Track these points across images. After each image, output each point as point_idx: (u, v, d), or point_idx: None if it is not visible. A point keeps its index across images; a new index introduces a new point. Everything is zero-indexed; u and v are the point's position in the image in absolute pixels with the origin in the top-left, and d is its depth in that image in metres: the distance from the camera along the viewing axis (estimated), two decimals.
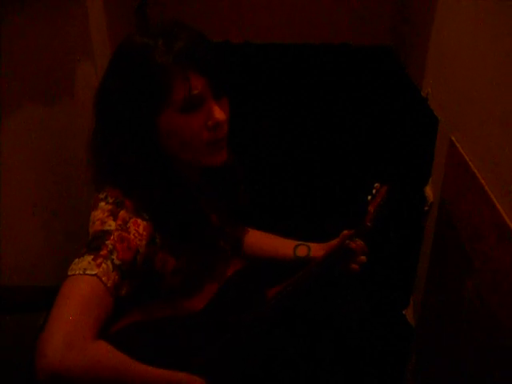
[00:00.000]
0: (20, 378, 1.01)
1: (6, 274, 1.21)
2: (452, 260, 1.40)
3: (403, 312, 1.89)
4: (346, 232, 1.28)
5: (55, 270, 1.38)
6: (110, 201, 0.95)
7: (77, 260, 0.86)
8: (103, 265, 0.85)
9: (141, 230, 0.93)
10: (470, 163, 1.25)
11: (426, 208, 1.65)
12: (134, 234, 0.91)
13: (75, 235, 1.48)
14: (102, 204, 0.94)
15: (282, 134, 2.51)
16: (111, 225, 0.90)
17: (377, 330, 1.98)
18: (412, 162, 1.82)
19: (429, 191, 1.65)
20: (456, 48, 1.45)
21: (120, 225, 0.91)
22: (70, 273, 0.84)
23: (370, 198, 1.32)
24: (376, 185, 1.34)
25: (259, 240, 1.36)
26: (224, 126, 1.00)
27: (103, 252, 0.86)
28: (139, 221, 0.94)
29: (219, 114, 0.98)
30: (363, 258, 1.24)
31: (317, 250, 1.31)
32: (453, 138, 1.39)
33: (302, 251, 1.32)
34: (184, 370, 0.92)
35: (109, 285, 0.84)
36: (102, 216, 0.92)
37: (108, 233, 0.89)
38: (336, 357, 1.93)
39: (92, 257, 0.85)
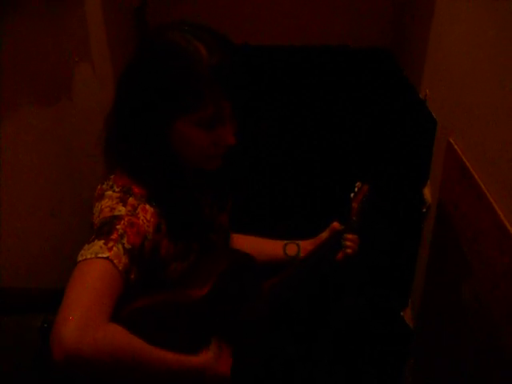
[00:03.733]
0: (20, 378, 1.01)
1: (4, 276, 1.21)
2: (450, 261, 1.40)
3: (401, 313, 1.89)
4: (336, 224, 1.34)
5: (54, 271, 1.37)
6: (117, 189, 0.96)
7: (87, 246, 0.86)
8: (114, 248, 0.85)
9: (148, 216, 0.94)
10: (467, 165, 1.26)
11: (424, 209, 1.66)
12: (142, 220, 0.92)
13: (74, 236, 1.48)
14: (109, 193, 0.95)
15: (282, 135, 2.51)
16: (121, 210, 0.91)
17: (375, 331, 1.98)
18: (410, 163, 1.83)
19: (427, 193, 1.65)
20: (454, 50, 1.45)
21: (130, 210, 0.92)
22: (80, 258, 0.84)
23: (352, 195, 1.42)
24: (357, 183, 1.44)
25: (247, 244, 1.36)
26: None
27: (114, 236, 0.87)
28: (147, 207, 0.95)
29: (232, 138, 1.01)
30: (352, 248, 1.31)
31: (306, 245, 1.35)
32: (451, 140, 1.39)
33: (291, 250, 1.35)
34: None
35: (120, 268, 0.85)
36: (110, 203, 0.93)
37: (118, 218, 0.90)
38: (335, 357, 1.93)
39: (103, 241, 0.86)
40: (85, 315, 0.77)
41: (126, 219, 0.90)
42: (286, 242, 1.36)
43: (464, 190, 1.28)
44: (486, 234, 1.13)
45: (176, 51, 0.94)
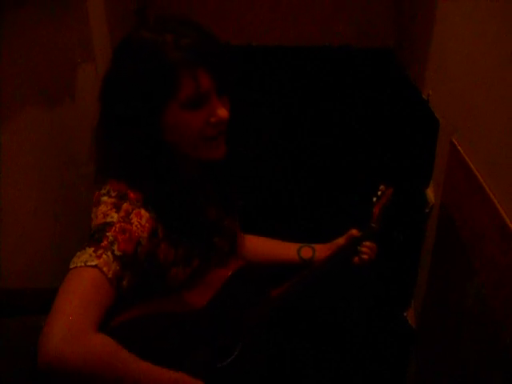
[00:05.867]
0: (21, 381, 1.01)
1: (6, 277, 1.21)
2: (453, 262, 1.40)
3: (404, 314, 1.89)
4: (354, 231, 1.31)
5: (56, 272, 1.38)
6: (113, 194, 0.95)
7: (78, 253, 0.86)
8: (104, 256, 0.85)
9: (143, 221, 0.94)
10: (470, 165, 1.25)
11: (427, 210, 1.65)
12: (136, 226, 0.92)
13: (76, 238, 1.49)
14: (105, 198, 0.95)
15: (285, 136, 2.51)
16: (113, 217, 0.91)
17: (378, 332, 1.98)
18: (413, 163, 1.82)
19: (430, 193, 1.65)
20: (457, 50, 1.45)
21: (122, 217, 0.91)
22: (71, 266, 0.85)
23: (375, 199, 1.34)
24: (381, 187, 1.36)
25: (261, 246, 1.35)
26: (225, 122, 1.02)
27: (104, 243, 0.87)
28: (142, 212, 0.94)
29: (222, 111, 1.00)
30: (368, 256, 1.28)
31: (322, 250, 1.32)
32: (454, 140, 1.39)
33: (306, 253, 1.32)
34: (183, 367, 0.93)
35: (109, 275, 0.85)
36: (105, 209, 0.93)
37: (109, 224, 0.90)
38: (336, 359, 1.93)
39: (93, 249, 0.86)
40: (70, 324, 0.77)
41: (117, 226, 0.89)
42: (300, 244, 1.34)
43: (467, 191, 1.28)
44: (489, 234, 1.13)
45: (141, 45, 0.96)
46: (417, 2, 2.06)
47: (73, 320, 0.78)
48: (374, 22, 2.46)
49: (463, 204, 1.32)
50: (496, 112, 1.13)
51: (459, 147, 1.35)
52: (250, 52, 2.53)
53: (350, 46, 2.49)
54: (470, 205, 1.26)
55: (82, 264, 0.84)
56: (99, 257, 0.85)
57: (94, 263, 0.84)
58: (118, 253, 0.87)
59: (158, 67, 0.94)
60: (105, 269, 0.84)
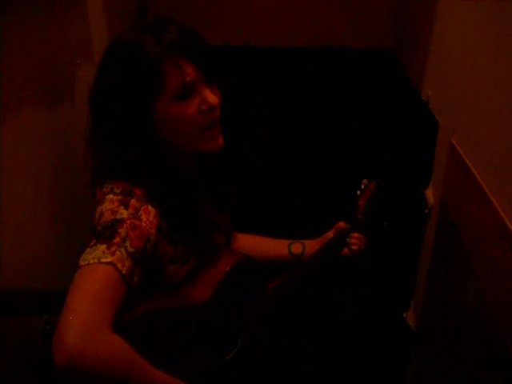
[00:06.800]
0: (21, 380, 1.01)
1: (6, 277, 1.21)
2: (452, 262, 1.40)
3: (404, 315, 1.89)
4: (341, 223, 1.35)
5: (56, 273, 1.38)
6: (118, 191, 0.95)
7: (88, 250, 0.86)
8: (117, 252, 0.85)
9: (151, 217, 0.94)
10: (470, 166, 1.25)
11: (427, 211, 1.66)
12: (145, 222, 0.92)
13: (76, 238, 1.49)
14: (110, 196, 0.95)
15: (284, 137, 2.51)
16: (123, 213, 0.91)
17: (377, 333, 1.98)
18: (412, 164, 1.82)
19: (429, 194, 1.65)
20: (456, 51, 1.45)
21: (132, 213, 0.92)
22: (82, 263, 0.84)
23: (359, 192, 1.41)
24: (364, 181, 1.43)
25: (252, 243, 1.37)
26: (216, 109, 1.03)
27: (116, 240, 0.86)
28: (149, 208, 0.95)
29: (212, 98, 1.01)
30: (357, 246, 1.32)
31: (312, 245, 1.35)
32: (453, 141, 1.39)
33: (296, 248, 1.35)
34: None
35: (124, 272, 0.85)
36: (111, 206, 0.92)
37: (120, 221, 0.89)
38: (336, 359, 1.93)
39: (105, 245, 0.85)
40: (88, 322, 0.77)
41: (128, 222, 0.90)
42: (290, 241, 1.37)
43: (466, 192, 1.28)
44: (488, 234, 1.13)
45: (125, 46, 0.99)
46: (417, 2, 2.06)
47: (89, 317, 0.78)
48: (374, 22, 2.46)
49: (462, 205, 1.32)
50: (495, 113, 1.13)
51: (458, 148, 1.35)
52: (249, 52, 2.53)
53: (350, 46, 2.49)
54: (469, 205, 1.27)
55: (96, 261, 0.83)
56: (113, 253, 0.84)
57: (108, 260, 0.84)
58: (130, 249, 0.87)
59: (142, 65, 0.96)
60: (119, 265, 0.84)
